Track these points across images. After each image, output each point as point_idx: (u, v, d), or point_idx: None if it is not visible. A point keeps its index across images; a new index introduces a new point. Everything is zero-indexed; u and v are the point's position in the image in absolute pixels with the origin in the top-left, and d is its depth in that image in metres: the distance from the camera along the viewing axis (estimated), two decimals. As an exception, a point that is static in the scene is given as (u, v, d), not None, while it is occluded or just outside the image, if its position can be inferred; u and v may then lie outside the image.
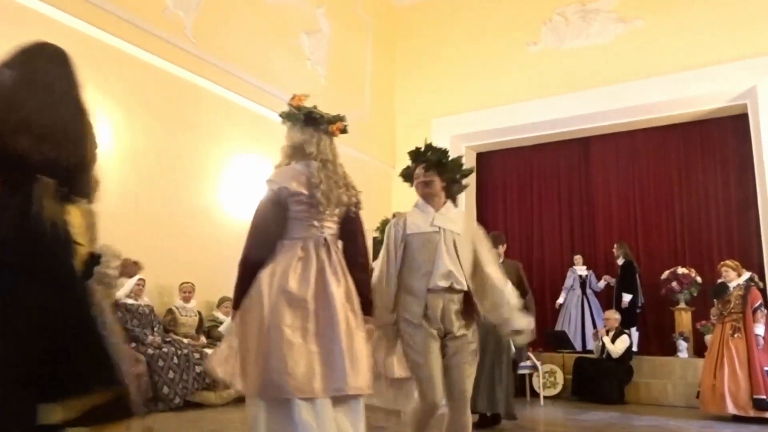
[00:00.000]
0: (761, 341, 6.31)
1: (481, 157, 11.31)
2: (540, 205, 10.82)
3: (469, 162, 11.05)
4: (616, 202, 10.24)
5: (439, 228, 3.06)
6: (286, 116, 2.98)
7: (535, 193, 10.94)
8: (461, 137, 10.65)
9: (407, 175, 3.27)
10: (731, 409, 6.19)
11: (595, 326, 9.12)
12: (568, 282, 9.89)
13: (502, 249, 5.93)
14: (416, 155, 3.23)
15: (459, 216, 3.18)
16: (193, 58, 7.37)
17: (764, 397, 6.10)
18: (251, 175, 7.91)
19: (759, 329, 6.33)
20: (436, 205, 3.15)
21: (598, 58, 9.45)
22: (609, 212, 10.28)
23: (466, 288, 3.01)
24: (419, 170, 3.18)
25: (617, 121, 9.66)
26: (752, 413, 6.12)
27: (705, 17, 8.72)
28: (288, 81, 8.89)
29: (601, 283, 9.66)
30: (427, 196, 3.16)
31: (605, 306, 9.27)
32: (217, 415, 5.72)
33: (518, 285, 5.91)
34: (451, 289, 2.99)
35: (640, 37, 9.22)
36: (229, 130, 7.89)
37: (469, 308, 3.04)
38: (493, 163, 11.28)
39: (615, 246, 9.46)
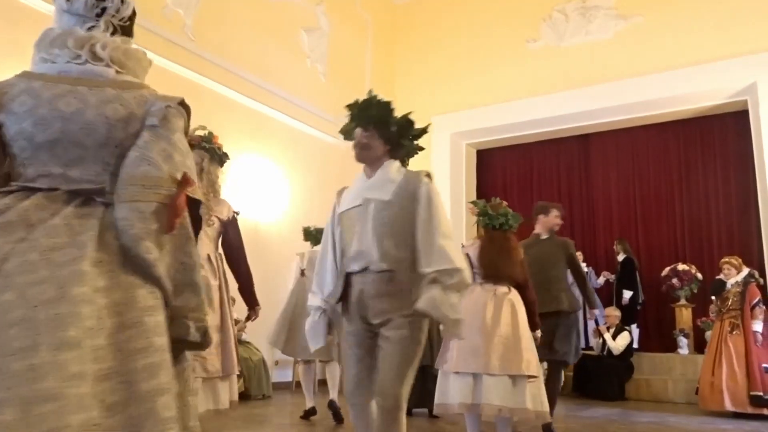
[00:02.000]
0: (759, 338, 6.32)
1: (481, 154, 11.31)
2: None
3: (469, 160, 11.06)
4: (616, 199, 10.24)
5: (365, 200, 2.61)
6: (213, 153, 3.63)
7: (535, 190, 10.93)
8: (461, 134, 10.65)
9: (347, 132, 2.75)
10: (729, 405, 6.19)
11: (596, 323, 9.12)
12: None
13: (544, 220, 5.31)
14: (356, 111, 2.71)
15: (397, 177, 2.62)
16: (193, 55, 7.36)
17: (761, 393, 6.10)
18: (250, 173, 7.90)
19: (757, 326, 6.33)
20: (372, 172, 2.67)
21: (597, 55, 9.44)
22: (609, 209, 10.28)
23: (385, 267, 2.50)
24: (358, 130, 2.69)
25: (617, 118, 9.66)
26: (750, 410, 6.13)
27: (705, 13, 8.71)
28: (287, 79, 8.89)
29: (600, 280, 9.66)
30: (365, 161, 2.70)
31: (606, 303, 9.27)
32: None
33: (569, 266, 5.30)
34: (367, 271, 2.55)
35: (639, 33, 9.21)
36: (229, 128, 7.87)
37: (403, 290, 2.50)
38: (493, 161, 11.28)
39: (615, 243, 9.47)
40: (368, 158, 2.67)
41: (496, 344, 3.97)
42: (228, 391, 3.46)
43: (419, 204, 2.52)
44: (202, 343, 1.40)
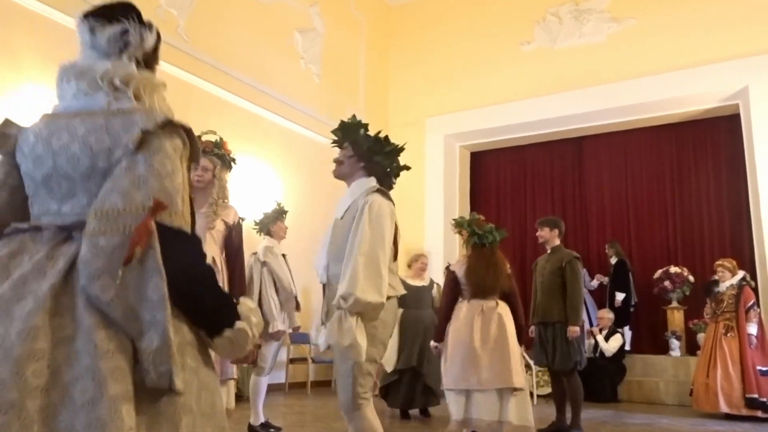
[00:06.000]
0: (754, 340, 6.35)
1: (474, 156, 11.33)
2: (533, 204, 10.84)
3: (463, 162, 11.07)
4: (609, 202, 10.27)
5: (335, 217, 2.80)
6: (224, 159, 3.70)
7: (528, 193, 10.96)
8: (455, 136, 10.66)
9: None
10: (724, 407, 6.23)
11: (591, 324, 9.14)
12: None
13: (549, 233, 5.35)
14: (336, 132, 2.85)
15: (356, 193, 2.72)
16: (186, 56, 7.34)
17: (756, 396, 6.14)
18: (244, 174, 7.88)
19: (752, 328, 6.37)
20: (347, 189, 2.81)
21: (591, 58, 9.48)
22: (602, 211, 10.32)
23: (324, 280, 2.73)
24: (340, 151, 2.86)
25: (610, 121, 9.69)
26: (744, 412, 6.16)
27: (697, 17, 8.76)
28: (281, 80, 8.88)
29: (594, 282, 9.68)
30: (339, 178, 2.85)
31: (599, 305, 9.31)
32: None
33: (556, 280, 5.19)
34: (326, 285, 2.76)
35: (632, 36, 9.25)
36: (222, 129, 7.80)
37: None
38: (487, 163, 11.30)
39: (607, 246, 9.51)
40: (340, 174, 2.82)
41: (484, 359, 4.12)
42: (224, 397, 3.45)
43: (358, 223, 2.58)
44: (171, 389, 1.25)
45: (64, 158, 1.38)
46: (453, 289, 4.45)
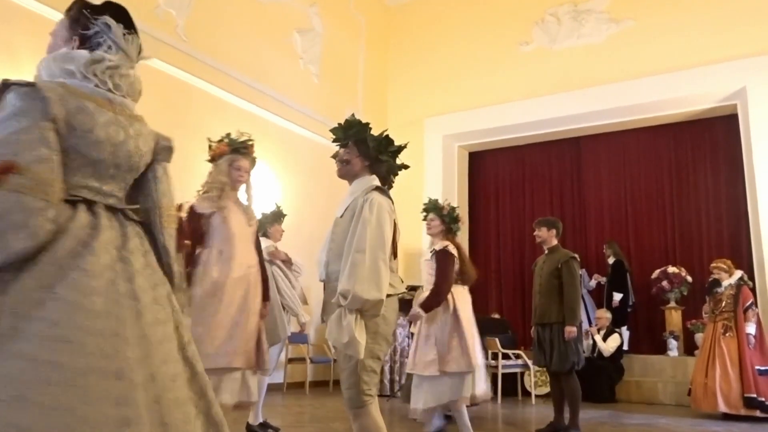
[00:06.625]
0: (752, 340, 6.36)
1: (473, 156, 11.34)
2: (532, 204, 10.85)
3: (461, 162, 11.08)
4: (608, 202, 10.29)
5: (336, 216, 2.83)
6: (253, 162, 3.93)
7: (527, 193, 10.97)
8: (453, 137, 10.67)
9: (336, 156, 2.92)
10: (722, 407, 6.23)
11: (590, 324, 9.15)
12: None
13: (547, 234, 5.30)
14: (338, 131, 2.87)
15: (357, 192, 2.76)
16: (185, 56, 7.34)
17: (755, 395, 6.15)
18: (243, 174, 7.89)
19: (750, 328, 6.38)
20: (348, 187, 2.85)
21: (589, 58, 9.49)
22: (600, 212, 10.33)
23: (324, 277, 2.77)
24: (341, 149, 2.86)
25: (609, 121, 9.70)
26: (743, 412, 6.17)
27: (696, 18, 8.78)
28: (280, 80, 8.88)
29: (593, 282, 9.69)
30: (344, 177, 2.86)
31: (597, 305, 9.32)
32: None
33: (553, 281, 5.15)
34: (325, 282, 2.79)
35: (631, 37, 9.26)
36: (221, 130, 7.80)
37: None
38: (486, 163, 11.31)
39: (605, 246, 9.52)
40: (347, 173, 2.83)
41: (474, 341, 4.37)
42: (253, 386, 3.50)
43: (356, 222, 2.62)
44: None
45: (121, 152, 1.67)
46: (453, 271, 4.45)
